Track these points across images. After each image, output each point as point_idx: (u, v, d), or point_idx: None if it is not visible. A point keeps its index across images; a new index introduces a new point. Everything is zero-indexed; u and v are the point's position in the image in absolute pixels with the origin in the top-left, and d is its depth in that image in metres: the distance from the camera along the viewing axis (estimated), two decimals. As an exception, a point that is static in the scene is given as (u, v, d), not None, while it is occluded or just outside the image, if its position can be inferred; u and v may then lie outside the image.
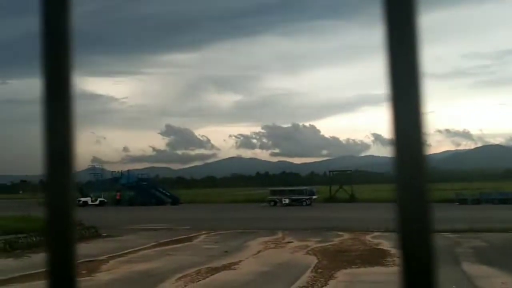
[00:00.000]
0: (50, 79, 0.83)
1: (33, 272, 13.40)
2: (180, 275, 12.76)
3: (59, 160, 0.83)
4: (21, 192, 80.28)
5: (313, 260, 15.08)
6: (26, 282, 12.02)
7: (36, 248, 18.07)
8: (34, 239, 18.96)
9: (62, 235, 0.85)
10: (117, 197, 66.65)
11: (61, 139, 0.83)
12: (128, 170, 73.92)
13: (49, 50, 0.83)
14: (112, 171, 74.84)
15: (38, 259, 15.81)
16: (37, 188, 79.96)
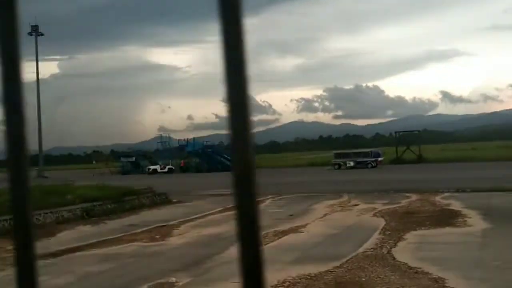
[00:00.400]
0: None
1: (109, 238, 14.22)
2: (248, 238, 13.09)
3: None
4: (94, 162, 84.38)
5: (380, 222, 14.97)
6: (104, 247, 12.76)
7: (111, 214, 19.09)
8: (109, 206, 20.01)
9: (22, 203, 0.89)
10: (181, 165, 68.48)
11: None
12: (194, 138, 75.60)
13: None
14: (178, 139, 76.87)
15: (113, 226, 16.73)
16: (108, 157, 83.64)
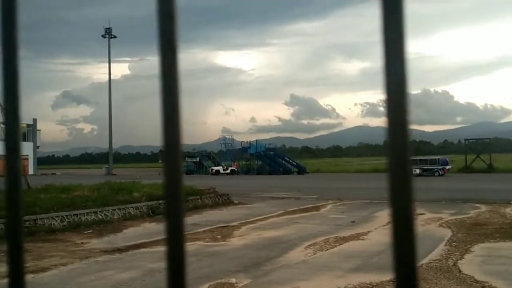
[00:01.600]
0: None
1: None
2: (309, 243, 13.02)
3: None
4: (160, 161, 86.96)
5: (447, 232, 14.44)
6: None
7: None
8: (173, 205, 20.50)
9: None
10: (234, 166, 68.80)
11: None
12: (256, 140, 76.12)
13: None
14: (241, 141, 77.71)
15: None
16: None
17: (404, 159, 0.82)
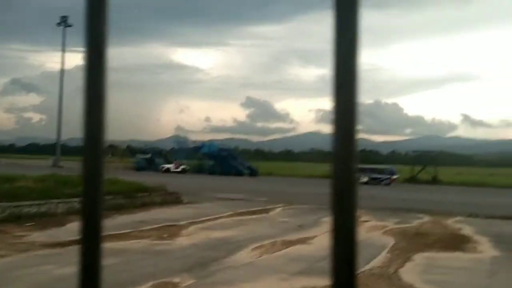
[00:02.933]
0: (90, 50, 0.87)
1: (117, 232, 14.30)
2: (256, 245, 13.05)
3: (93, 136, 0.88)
4: (110, 156, 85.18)
5: (390, 241, 14.82)
6: (111, 241, 12.83)
7: (121, 209, 19.20)
8: (120, 201, 20.13)
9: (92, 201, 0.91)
10: (175, 166, 67.85)
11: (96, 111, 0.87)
12: (210, 140, 75.86)
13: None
14: (194, 140, 77.20)
15: (122, 221, 16.82)
16: (124, 152, 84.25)
17: (348, 166, 0.82)
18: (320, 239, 14.62)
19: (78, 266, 0.89)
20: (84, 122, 0.88)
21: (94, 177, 0.88)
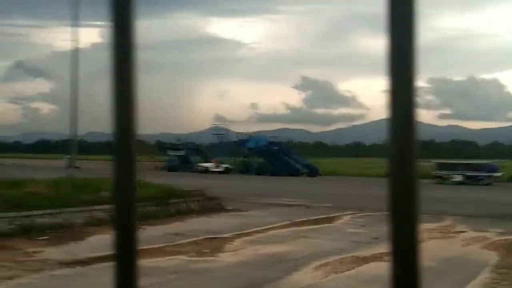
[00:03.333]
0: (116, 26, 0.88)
1: (148, 247, 14.60)
2: (319, 263, 13.02)
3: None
4: (136, 153, 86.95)
5: (492, 256, 14.45)
6: (141, 258, 13.10)
7: (152, 219, 19.59)
8: (150, 209, 20.54)
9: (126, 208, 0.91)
10: (215, 164, 68.24)
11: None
12: (257, 132, 76.18)
13: None
14: (237, 133, 77.69)
15: (154, 233, 17.16)
16: (153, 149, 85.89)
17: (407, 161, 0.80)
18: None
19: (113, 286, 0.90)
20: (113, 115, 0.89)
21: (127, 181, 0.89)
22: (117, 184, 0.91)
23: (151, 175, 38.17)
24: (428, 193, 37.99)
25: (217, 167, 68.02)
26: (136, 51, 0.90)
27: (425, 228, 19.51)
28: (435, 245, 16.31)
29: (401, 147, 0.80)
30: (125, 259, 0.91)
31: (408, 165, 0.81)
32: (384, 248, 15.33)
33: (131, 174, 0.92)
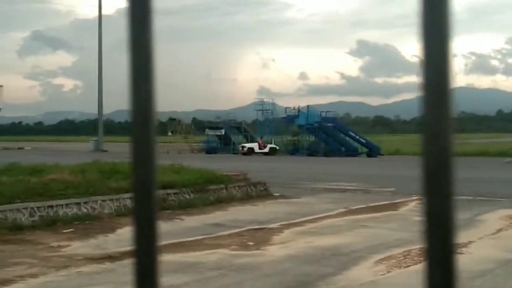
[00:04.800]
0: None
1: (185, 240, 14.81)
2: (381, 256, 12.98)
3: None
4: (170, 133, 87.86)
5: None
6: (178, 252, 13.32)
7: (190, 208, 19.83)
8: (188, 196, 20.80)
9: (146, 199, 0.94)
10: (260, 145, 68.33)
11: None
12: (308, 106, 75.83)
13: None
14: (286, 108, 77.47)
15: (191, 223, 17.39)
16: (189, 128, 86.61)
17: (441, 136, 0.81)
18: (477, 246, 14.26)
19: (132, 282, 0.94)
20: (131, 92, 0.92)
21: (146, 166, 0.92)
22: (135, 170, 0.94)
23: (188, 158, 38.65)
24: (509, 173, 37.35)
25: (262, 147, 68.18)
26: (154, 15, 0.92)
27: (505, 214, 19.22)
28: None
29: (434, 121, 0.81)
30: (144, 255, 0.95)
31: (442, 141, 0.82)
32: (457, 238, 15.18)
33: (150, 158, 0.94)
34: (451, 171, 0.83)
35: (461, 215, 19.02)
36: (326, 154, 63.74)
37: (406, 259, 12.84)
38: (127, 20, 0.91)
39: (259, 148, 67.84)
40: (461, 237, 15.33)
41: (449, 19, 0.82)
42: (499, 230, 16.52)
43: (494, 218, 18.60)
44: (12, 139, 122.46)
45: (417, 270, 12.01)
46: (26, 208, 16.50)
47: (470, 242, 14.64)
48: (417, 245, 14.17)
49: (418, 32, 0.83)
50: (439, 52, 0.82)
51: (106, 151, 66.72)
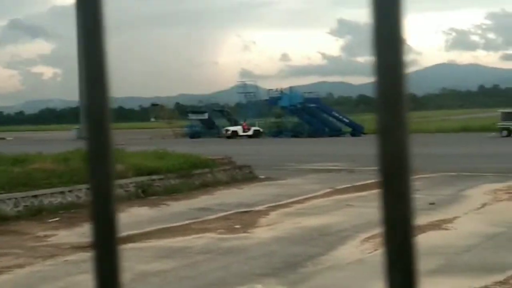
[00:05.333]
0: None
1: (172, 225, 14.81)
2: (367, 235, 13.04)
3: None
4: (153, 119, 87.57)
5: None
6: (165, 238, 13.33)
7: (175, 193, 19.83)
8: (173, 181, 20.78)
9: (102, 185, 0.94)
10: (244, 128, 68.44)
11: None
12: (290, 87, 75.80)
13: None
14: (268, 90, 77.41)
15: (177, 208, 17.38)
16: (172, 113, 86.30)
17: (395, 113, 0.81)
18: (462, 221, 14.38)
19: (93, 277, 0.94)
20: (83, 86, 0.92)
21: (102, 157, 0.92)
22: (92, 164, 0.93)
23: (172, 143, 38.56)
24: (490, 148, 37.62)
25: (246, 130, 68.21)
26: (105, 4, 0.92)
27: (489, 189, 19.38)
28: (503, 207, 16.20)
29: (390, 123, 0.82)
30: (105, 252, 0.94)
31: (398, 142, 0.82)
32: (441, 215, 15.31)
33: (107, 150, 0.94)
34: (408, 173, 0.82)
35: (446, 191, 19.21)
36: (310, 135, 63.80)
37: (393, 237, 12.91)
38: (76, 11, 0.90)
39: (243, 131, 67.88)
40: (447, 213, 15.47)
41: (401, 30, 0.82)
42: (484, 205, 16.65)
43: (478, 193, 18.74)
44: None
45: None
46: (10, 198, 16.42)
47: (455, 218, 14.77)
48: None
49: (370, 42, 0.83)
50: (392, 58, 0.82)
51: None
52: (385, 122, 0.82)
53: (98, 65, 0.91)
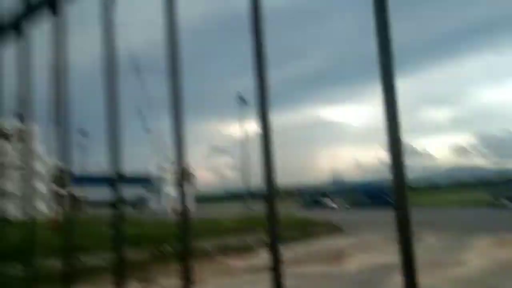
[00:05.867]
0: None
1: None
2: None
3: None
4: (282, 197, 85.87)
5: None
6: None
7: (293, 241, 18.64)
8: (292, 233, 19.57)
9: None
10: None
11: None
12: (362, 180, 71.95)
13: None
14: (349, 181, 74.10)
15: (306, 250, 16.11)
16: (293, 193, 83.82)
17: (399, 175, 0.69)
18: None
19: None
20: (263, 172, 0.86)
21: (273, 217, 0.87)
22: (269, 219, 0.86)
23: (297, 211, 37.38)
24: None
25: (337, 206, 65.98)
26: (272, 133, 0.87)
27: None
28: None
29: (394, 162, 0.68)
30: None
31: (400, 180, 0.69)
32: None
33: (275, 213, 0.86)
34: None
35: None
36: (377, 208, 58.66)
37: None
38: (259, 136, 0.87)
39: (335, 205, 64.96)
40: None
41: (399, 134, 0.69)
42: None
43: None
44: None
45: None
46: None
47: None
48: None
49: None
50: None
51: (253, 209, 63.61)
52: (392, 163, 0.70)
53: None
